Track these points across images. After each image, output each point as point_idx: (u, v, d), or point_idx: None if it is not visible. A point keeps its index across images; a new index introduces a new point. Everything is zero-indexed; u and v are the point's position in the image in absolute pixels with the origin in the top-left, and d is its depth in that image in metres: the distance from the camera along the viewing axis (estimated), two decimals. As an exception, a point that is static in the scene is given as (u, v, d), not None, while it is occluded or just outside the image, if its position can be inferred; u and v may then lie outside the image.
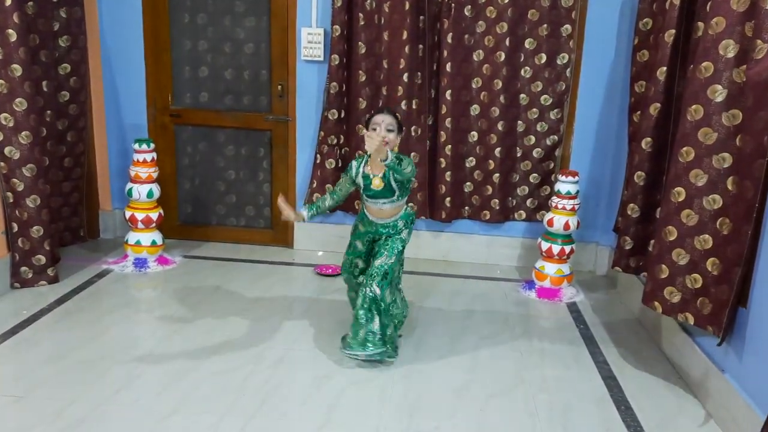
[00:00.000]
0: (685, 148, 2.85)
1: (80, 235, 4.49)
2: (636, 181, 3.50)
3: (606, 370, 3.10)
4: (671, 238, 2.91)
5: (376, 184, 2.96)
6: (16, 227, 3.65)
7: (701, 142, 2.77)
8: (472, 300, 3.89)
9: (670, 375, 3.06)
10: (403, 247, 3.08)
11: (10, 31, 3.43)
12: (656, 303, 3.00)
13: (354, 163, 3.05)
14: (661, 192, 3.40)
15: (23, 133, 3.56)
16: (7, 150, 3.54)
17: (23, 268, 3.70)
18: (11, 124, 3.52)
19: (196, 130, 4.55)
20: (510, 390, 2.88)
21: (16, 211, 3.63)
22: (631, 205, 3.54)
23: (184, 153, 4.60)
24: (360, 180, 3.01)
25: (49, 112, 3.91)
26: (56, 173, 4.12)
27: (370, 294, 2.92)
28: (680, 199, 2.88)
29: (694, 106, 2.80)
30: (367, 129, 2.95)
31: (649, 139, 3.39)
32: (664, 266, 2.95)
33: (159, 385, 2.79)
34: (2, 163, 3.55)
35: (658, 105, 3.32)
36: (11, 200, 3.61)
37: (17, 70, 3.48)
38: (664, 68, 3.26)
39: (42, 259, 3.73)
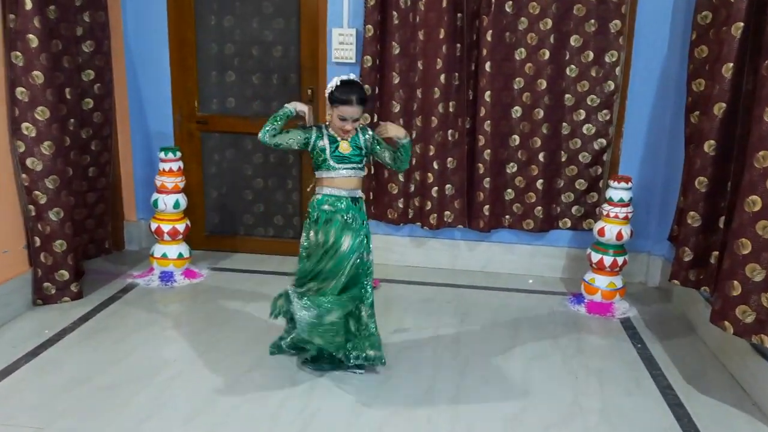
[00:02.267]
0: (761, 153, 2.58)
1: (105, 247, 4.34)
2: (697, 187, 3.22)
3: (671, 396, 2.83)
4: (745, 252, 2.64)
5: (344, 147, 2.79)
6: (38, 241, 3.50)
7: (780, 146, 2.50)
8: (517, 315, 3.64)
9: (743, 402, 2.78)
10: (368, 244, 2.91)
11: (31, 36, 3.28)
12: (726, 323, 2.72)
13: (314, 128, 2.84)
14: (725, 199, 3.11)
15: (46, 143, 3.40)
16: (29, 161, 3.39)
17: (46, 284, 3.55)
18: (33, 134, 3.36)
19: (223, 137, 4.38)
20: (568, 420, 2.63)
21: (39, 225, 3.48)
22: (692, 213, 3.26)
23: (211, 161, 4.43)
24: (325, 142, 2.78)
25: (72, 120, 3.76)
26: (80, 184, 3.97)
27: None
28: (756, 209, 2.60)
29: (771, 106, 2.53)
30: (331, 104, 2.75)
31: (712, 141, 3.10)
32: (736, 282, 2.68)
33: (188, 413, 2.59)
34: (24, 175, 3.40)
35: (723, 105, 3.03)
36: (33, 213, 3.46)
37: (39, 77, 3.33)
38: (731, 64, 2.98)
39: (65, 274, 3.58)
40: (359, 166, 2.84)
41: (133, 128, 4.36)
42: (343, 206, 2.81)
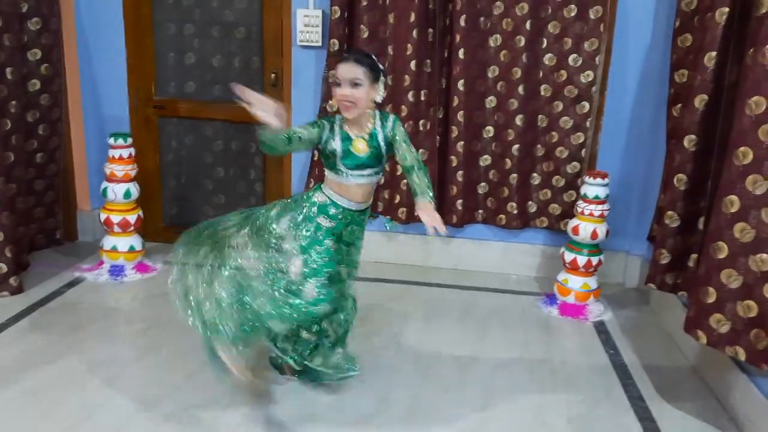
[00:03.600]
0: (741, 149, 2.38)
1: (56, 238, 4.10)
2: (676, 185, 3.03)
3: (642, 408, 2.64)
4: (721, 257, 2.45)
5: (360, 148, 2.29)
6: (-27, 232, 3.26)
7: (762, 142, 2.31)
8: (486, 317, 3.44)
9: (718, 417, 2.60)
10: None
11: (-37, 10, 3.03)
12: (700, 332, 2.53)
13: (326, 123, 2.34)
14: (705, 198, 2.92)
15: (-20, 126, 3.16)
16: (-39, 145, 3.15)
17: (-18, 278, 3.31)
18: (-34, 116, 3.12)
19: (181, 122, 4.13)
20: (530, 434, 2.44)
21: (-27, 214, 3.24)
22: (670, 212, 3.07)
23: (168, 148, 4.18)
24: (337, 143, 2.29)
25: (14, 102, 3.50)
26: (25, 171, 3.72)
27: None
28: (733, 210, 2.41)
29: (754, 98, 2.33)
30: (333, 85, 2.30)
31: (693, 136, 2.91)
32: (711, 289, 2.49)
33: (114, 425, 2.38)
34: (-44, 160, 3.16)
35: (706, 97, 2.84)
36: (-33, 202, 3.22)
37: (-28, 54, 3.08)
38: (714, 53, 2.79)
39: (3, 267, 3.34)
40: (377, 170, 2.35)
41: (86, 112, 4.11)
42: (345, 219, 2.38)
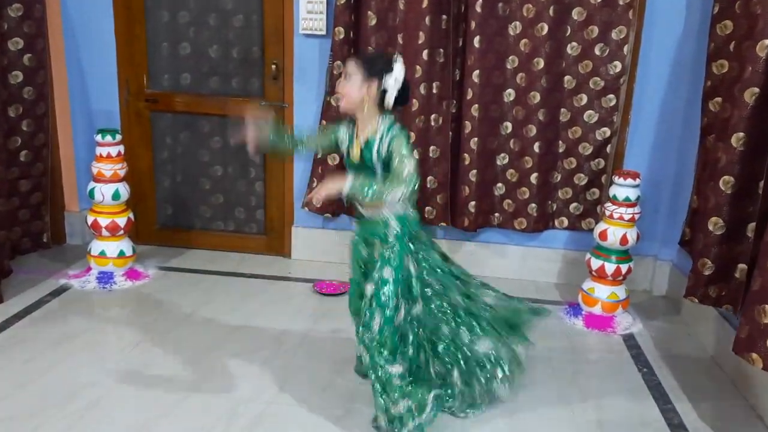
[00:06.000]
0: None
1: (43, 241, 3.83)
2: (722, 188, 2.73)
3: (685, 438, 2.37)
4: (780, 270, 2.16)
5: (354, 153, 2.19)
6: (-53, 237, 3.00)
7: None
8: (504, 330, 3.16)
9: (772, 448, 2.32)
10: (399, 274, 2.16)
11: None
12: (754, 356, 2.24)
13: (346, 123, 2.27)
14: (755, 203, 2.63)
15: (-47, 122, 2.88)
16: (-68, 143, 2.88)
17: (-43, 287, 3.05)
18: (-63, 111, 2.85)
19: (176, 117, 3.85)
20: (561, 471, 2.17)
21: (-54, 218, 2.97)
22: (714, 218, 2.78)
23: (162, 145, 3.90)
24: (344, 140, 2.25)
25: (-8, 96, 3.23)
26: (8, 170, 3.45)
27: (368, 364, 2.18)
28: (795, 218, 2.12)
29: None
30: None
31: (741, 134, 2.61)
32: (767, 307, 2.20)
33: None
34: (-73, 159, 2.89)
35: (757, 90, 2.54)
36: (-61, 205, 2.95)
37: (-56, 43, 2.80)
38: (767, 42, 2.49)
39: (-20, 276, 3.08)
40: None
41: (74, 107, 3.83)
42: (361, 232, 2.31)
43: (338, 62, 3.45)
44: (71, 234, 3.99)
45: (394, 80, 2.09)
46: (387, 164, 2.09)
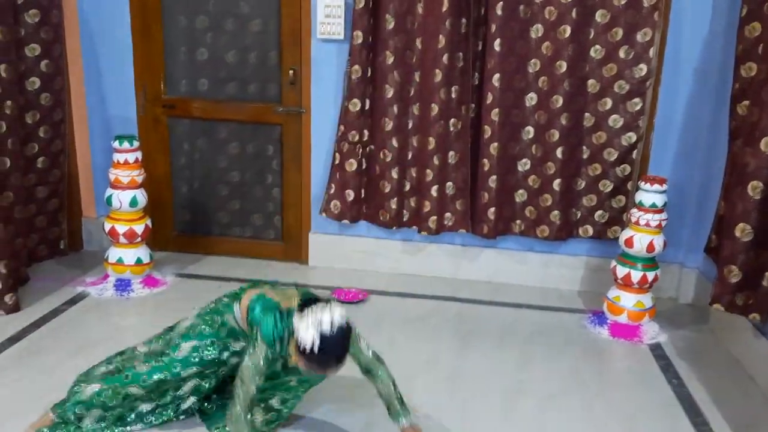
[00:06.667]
0: None
1: (60, 248, 3.82)
2: (750, 193, 2.66)
3: (720, 455, 2.29)
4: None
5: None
6: (-37, 245, 2.98)
7: None
8: (528, 338, 3.10)
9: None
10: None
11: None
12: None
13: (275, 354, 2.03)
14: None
15: (-30, 129, 2.87)
16: (-50, 150, 2.86)
17: (-27, 295, 3.03)
18: (-45, 119, 2.83)
19: (193, 124, 3.82)
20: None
21: (-38, 226, 2.96)
22: (741, 225, 2.70)
23: (180, 151, 3.87)
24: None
25: (9, 102, 3.20)
26: (24, 177, 3.43)
27: None
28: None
29: None
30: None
31: (773, 139, 2.54)
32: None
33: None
34: (-56, 168, 2.87)
35: (789, 93, 2.46)
36: (-44, 213, 2.93)
37: (-39, 51, 2.79)
38: (800, 43, 2.41)
39: (-4, 283, 3.05)
40: None
41: (91, 113, 3.81)
42: None
43: (356, 67, 3.41)
44: (88, 240, 3.97)
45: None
46: None
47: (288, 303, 2.00)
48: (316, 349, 1.81)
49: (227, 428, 2.09)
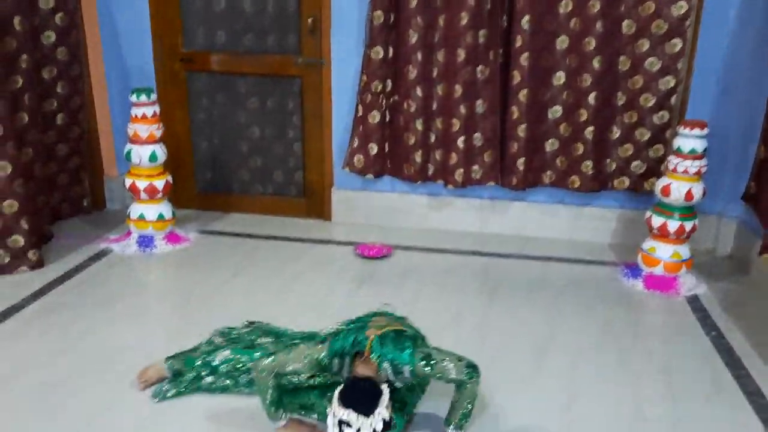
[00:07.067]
0: None
1: (83, 206, 3.80)
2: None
3: (763, 407, 2.18)
4: None
5: None
6: (-18, 202, 2.96)
7: None
8: (558, 293, 2.99)
9: None
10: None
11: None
12: None
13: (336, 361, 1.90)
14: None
15: (-15, 83, 2.82)
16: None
17: (-3, 252, 3.02)
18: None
19: (212, 78, 3.73)
20: (629, 440, 2.01)
21: (-21, 184, 2.93)
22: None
23: (198, 107, 3.79)
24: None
25: (25, 56, 3.14)
26: (43, 134, 3.40)
27: None
28: None
29: None
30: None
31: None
32: None
33: (142, 415, 2.05)
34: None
35: None
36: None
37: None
38: None
39: (19, 240, 3.03)
40: None
41: (108, 67, 3.73)
42: None
43: (379, 12, 3.27)
44: (111, 199, 3.94)
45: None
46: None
47: (374, 331, 1.86)
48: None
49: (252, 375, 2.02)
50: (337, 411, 1.70)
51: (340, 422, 1.69)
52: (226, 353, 2.21)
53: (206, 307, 2.80)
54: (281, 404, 1.94)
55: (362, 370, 1.81)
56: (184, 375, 2.20)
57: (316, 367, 1.90)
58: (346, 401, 1.70)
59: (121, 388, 2.22)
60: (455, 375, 1.83)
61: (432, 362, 1.83)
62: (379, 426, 1.67)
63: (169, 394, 2.16)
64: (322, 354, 1.88)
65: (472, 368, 1.86)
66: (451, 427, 1.94)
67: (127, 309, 2.78)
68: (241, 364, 2.18)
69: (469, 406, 1.91)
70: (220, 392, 2.18)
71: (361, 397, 1.71)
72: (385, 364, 1.81)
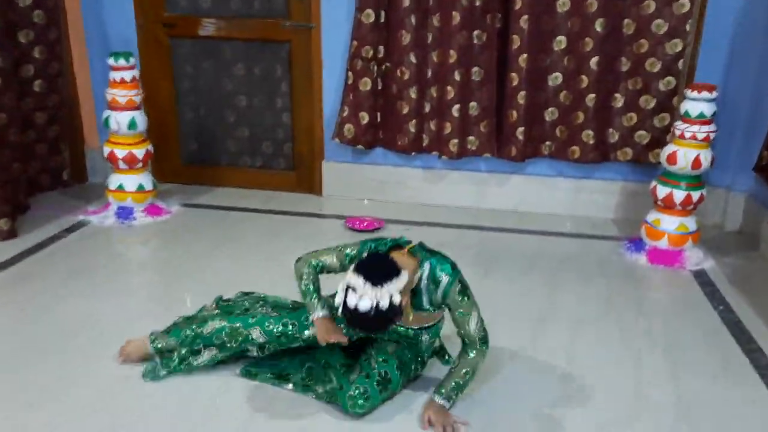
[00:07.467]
0: None
1: (63, 178, 3.65)
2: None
3: (775, 381, 2.02)
4: None
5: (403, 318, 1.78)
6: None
7: None
8: (557, 266, 2.84)
9: None
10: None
11: None
12: None
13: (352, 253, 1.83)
14: None
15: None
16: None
17: (-33, 221, 2.87)
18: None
19: (196, 44, 3.56)
20: (632, 417, 1.86)
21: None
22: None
23: (183, 75, 3.63)
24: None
25: (-4, 17, 2.99)
26: (19, 100, 3.24)
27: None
28: None
29: None
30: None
31: None
32: None
33: (90, 397, 1.90)
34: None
35: None
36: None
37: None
38: None
39: (-9, 208, 2.89)
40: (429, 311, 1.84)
41: (89, 32, 3.57)
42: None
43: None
44: (93, 171, 3.78)
45: (395, 290, 1.63)
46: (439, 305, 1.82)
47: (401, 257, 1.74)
48: (341, 312, 1.65)
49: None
50: (349, 276, 1.62)
51: (347, 287, 1.60)
52: (219, 323, 1.98)
53: (183, 278, 2.66)
54: (317, 295, 1.85)
55: (398, 260, 1.68)
56: (173, 351, 2.00)
57: (346, 263, 1.81)
58: (360, 268, 1.62)
59: (80, 361, 2.07)
60: (473, 328, 1.77)
61: (466, 297, 1.76)
62: (384, 302, 1.57)
63: (161, 374, 1.97)
64: (356, 250, 1.81)
65: (487, 341, 1.81)
66: (441, 396, 1.80)
67: (101, 279, 2.63)
68: (236, 333, 1.94)
69: (466, 378, 1.81)
70: (214, 364, 2.00)
71: (376, 267, 1.62)
72: (426, 264, 1.74)
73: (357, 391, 1.80)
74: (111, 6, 3.52)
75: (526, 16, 3.07)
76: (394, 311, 1.59)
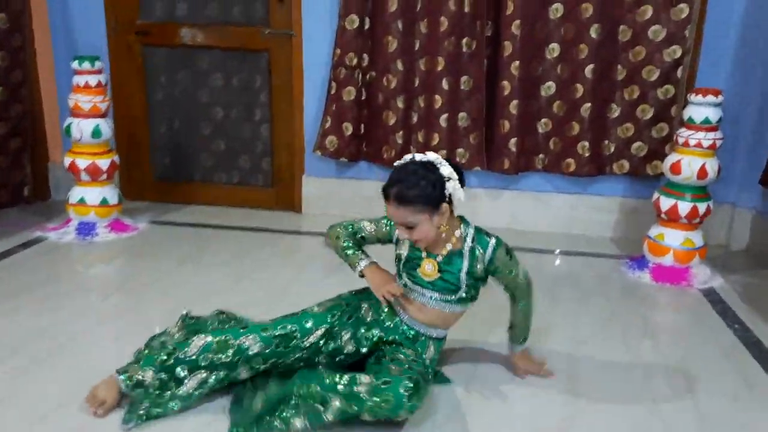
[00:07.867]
0: None
1: (24, 195, 3.41)
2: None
3: (806, 405, 1.79)
4: None
5: (427, 271, 1.74)
6: None
7: None
8: (554, 284, 2.61)
9: None
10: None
11: None
12: None
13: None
14: None
15: None
16: None
17: None
18: None
19: (171, 53, 3.38)
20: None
21: None
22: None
23: (156, 84, 3.43)
24: (404, 250, 1.78)
25: (-48, 15, 2.79)
26: (-24, 108, 3.02)
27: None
28: None
29: None
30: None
31: None
32: None
33: (32, 418, 1.63)
34: None
35: None
36: None
37: None
38: None
39: (-67, 219, 2.63)
40: (451, 298, 1.75)
41: (56, 40, 3.38)
42: (379, 327, 1.79)
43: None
44: (56, 188, 3.54)
45: (453, 184, 1.65)
46: (480, 280, 1.77)
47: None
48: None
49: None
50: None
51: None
52: (204, 339, 1.70)
53: (142, 295, 2.40)
54: (360, 249, 1.85)
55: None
56: (150, 385, 1.69)
57: (384, 231, 1.82)
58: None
59: (21, 379, 1.80)
60: (521, 279, 1.78)
61: (511, 255, 1.75)
62: (432, 158, 1.66)
63: (142, 413, 1.64)
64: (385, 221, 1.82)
65: (531, 281, 1.83)
66: (521, 344, 1.89)
67: (48, 296, 2.36)
68: (226, 346, 1.68)
69: (529, 321, 1.87)
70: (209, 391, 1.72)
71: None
72: (471, 229, 1.73)
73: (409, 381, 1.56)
74: (80, 12, 3.34)
75: (518, 22, 2.92)
76: (432, 172, 1.62)
